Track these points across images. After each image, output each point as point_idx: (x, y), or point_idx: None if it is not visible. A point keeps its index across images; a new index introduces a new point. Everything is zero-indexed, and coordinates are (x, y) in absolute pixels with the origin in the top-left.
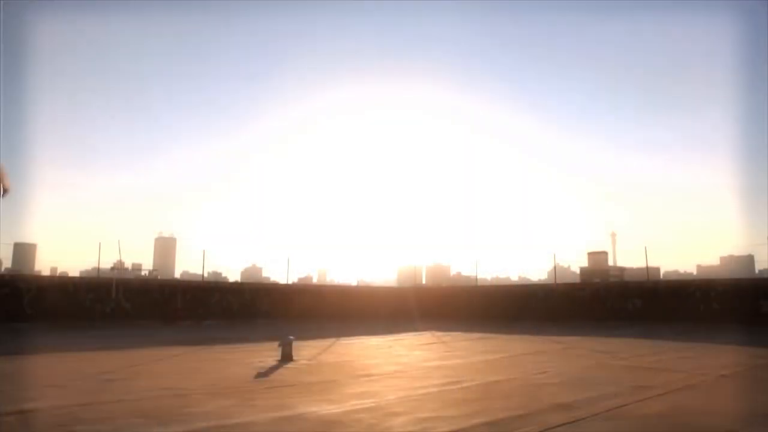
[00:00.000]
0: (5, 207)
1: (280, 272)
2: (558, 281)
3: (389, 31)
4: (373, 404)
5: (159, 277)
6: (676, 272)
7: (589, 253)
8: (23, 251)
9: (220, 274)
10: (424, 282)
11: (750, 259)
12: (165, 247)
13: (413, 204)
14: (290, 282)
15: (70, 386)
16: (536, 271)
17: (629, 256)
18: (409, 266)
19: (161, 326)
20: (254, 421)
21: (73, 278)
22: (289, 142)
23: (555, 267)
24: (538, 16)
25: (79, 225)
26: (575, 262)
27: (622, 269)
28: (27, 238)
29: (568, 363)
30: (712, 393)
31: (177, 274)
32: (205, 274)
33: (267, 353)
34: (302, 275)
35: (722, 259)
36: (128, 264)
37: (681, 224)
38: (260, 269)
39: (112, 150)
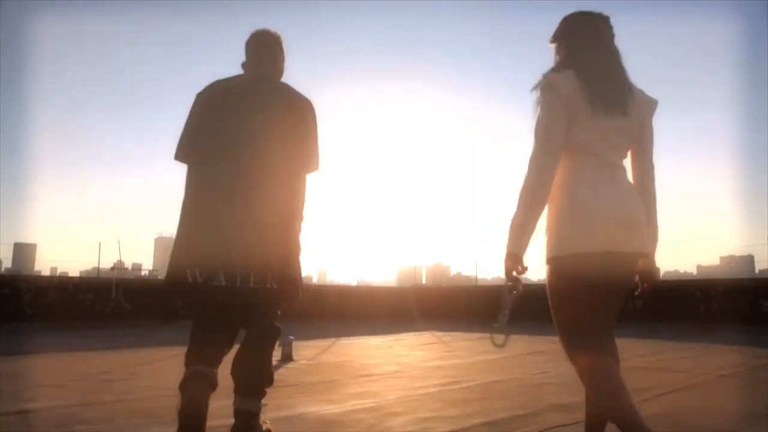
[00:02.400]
0: (5, 206)
1: None
2: None
3: (389, 31)
4: (373, 404)
5: (159, 277)
6: (676, 272)
7: None
8: (23, 251)
9: None
10: (424, 282)
11: (750, 259)
12: (165, 247)
13: (413, 204)
14: None
15: (70, 386)
16: (536, 271)
17: None
18: (409, 266)
19: (161, 326)
20: None
21: (73, 278)
22: None
23: None
24: (538, 16)
25: (79, 225)
26: None
27: None
28: (27, 238)
29: (568, 363)
30: (712, 393)
31: None
32: None
33: None
34: (302, 275)
35: (722, 259)
36: (128, 264)
37: (681, 224)
38: None
39: (113, 150)
